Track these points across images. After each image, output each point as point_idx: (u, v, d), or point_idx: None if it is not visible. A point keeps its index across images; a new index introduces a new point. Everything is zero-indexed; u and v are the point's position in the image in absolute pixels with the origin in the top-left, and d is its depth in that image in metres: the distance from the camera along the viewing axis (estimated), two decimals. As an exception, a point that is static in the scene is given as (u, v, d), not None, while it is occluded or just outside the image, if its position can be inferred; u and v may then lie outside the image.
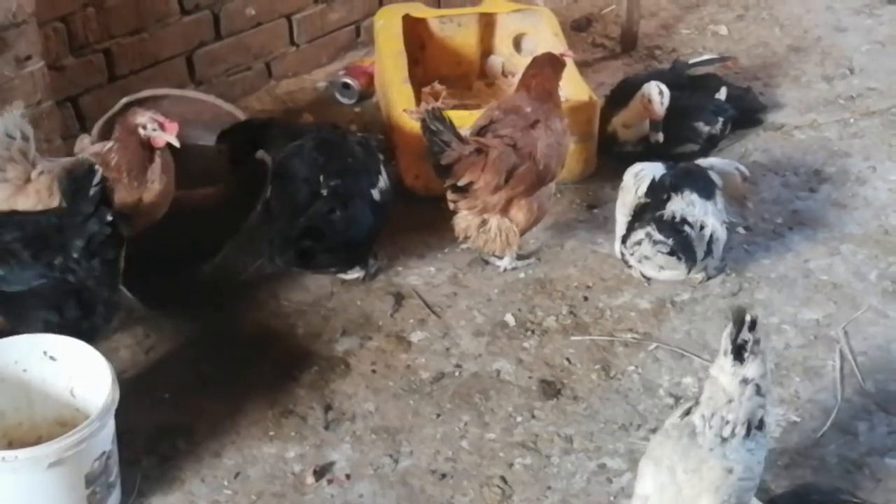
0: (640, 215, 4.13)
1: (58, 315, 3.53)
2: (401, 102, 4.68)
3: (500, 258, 4.35)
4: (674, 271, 4.15)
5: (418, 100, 4.79)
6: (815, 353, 3.99)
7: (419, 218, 4.53)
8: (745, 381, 2.94)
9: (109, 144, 3.93)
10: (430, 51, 5.38)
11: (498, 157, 3.98)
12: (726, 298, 4.23)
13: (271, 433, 3.66)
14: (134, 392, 3.67)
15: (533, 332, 4.08)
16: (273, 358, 3.95)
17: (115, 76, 4.82)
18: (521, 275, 4.35)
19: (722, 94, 5.10)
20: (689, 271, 4.13)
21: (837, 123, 5.30)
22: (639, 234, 4.09)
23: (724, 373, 2.96)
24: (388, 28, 5.19)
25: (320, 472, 3.52)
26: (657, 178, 4.17)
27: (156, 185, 3.92)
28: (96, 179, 3.52)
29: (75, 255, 3.51)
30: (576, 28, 6.05)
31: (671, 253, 4.04)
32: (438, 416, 3.74)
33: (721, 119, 4.99)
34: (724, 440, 2.96)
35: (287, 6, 5.36)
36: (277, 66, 5.47)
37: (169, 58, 4.99)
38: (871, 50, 5.91)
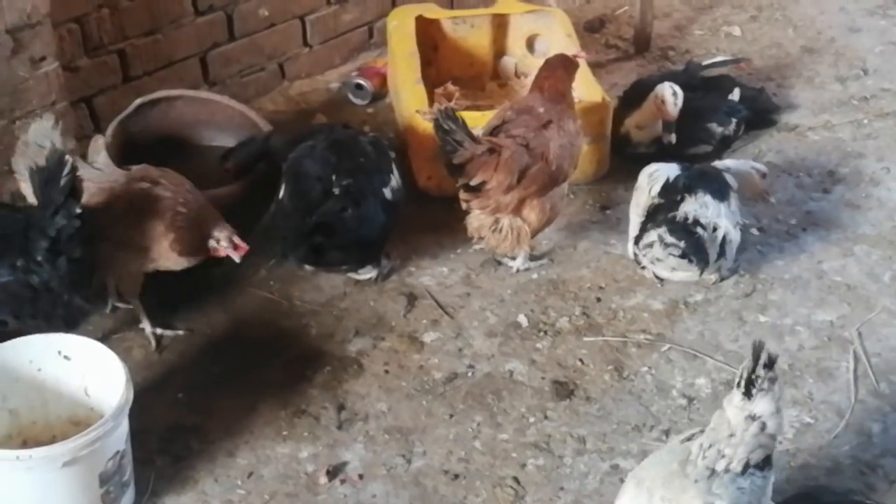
0: (653, 216, 4.12)
1: (13, 318, 3.53)
2: (414, 103, 4.69)
3: (513, 259, 4.35)
4: (686, 273, 4.15)
5: (431, 101, 4.79)
6: (829, 354, 3.99)
7: (432, 218, 4.54)
8: (751, 418, 2.83)
9: (180, 222, 3.85)
10: (442, 52, 5.38)
11: (510, 157, 3.99)
12: (740, 299, 4.23)
13: (284, 433, 3.67)
14: (148, 392, 3.69)
15: (546, 332, 4.08)
16: (286, 358, 3.96)
17: (129, 77, 4.83)
18: (534, 275, 4.35)
19: (735, 95, 5.09)
20: (701, 273, 4.12)
21: (851, 124, 5.29)
22: (651, 236, 4.09)
23: (732, 405, 2.85)
24: (400, 29, 5.19)
25: (333, 472, 3.52)
26: (671, 178, 4.16)
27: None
28: (67, 170, 3.44)
29: (39, 258, 3.48)
30: (589, 29, 6.05)
31: (682, 256, 4.04)
32: (451, 416, 3.74)
33: (734, 120, 4.98)
34: (713, 474, 2.85)
35: (300, 7, 5.37)
36: (291, 67, 5.48)
37: (183, 59, 5.00)
38: (884, 51, 5.89)
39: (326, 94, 5.47)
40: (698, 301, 4.23)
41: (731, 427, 2.86)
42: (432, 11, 5.35)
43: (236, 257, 3.89)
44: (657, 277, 4.26)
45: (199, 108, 4.70)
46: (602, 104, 4.73)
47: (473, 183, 3.99)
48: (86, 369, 3.40)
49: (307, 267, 4.12)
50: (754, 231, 4.53)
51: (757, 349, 2.82)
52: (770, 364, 2.80)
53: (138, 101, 4.55)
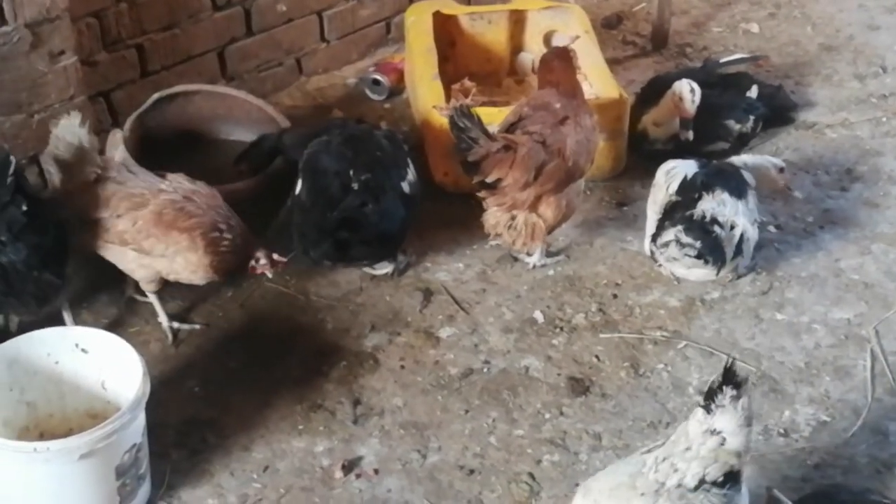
0: (670, 213, 4.12)
1: None
2: (430, 99, 4.69)
3: (530, 255, 4.35)
4: (703, 271, 4.14)
5: (448, 96, 4.79)
6: (846, 352, 3.97)
7: (448, 214, 4.54)
8: (711, 432, 2.80)
9: (227, 239, 3.88)
10: (460, 47, 5.38)
11: (527, 154, 3.98)
12: (756, 297, 4.22)
13: (300, 427, 3.67)
14: (164, 385, 3.70)
15: (562, 329, 4.08)
16: (302, 353, 3.97)
17: (147, 71, 4.84)
18: (551, 272, 4.35)
19: (753, 92, 5.08)
20: (717, 272, 4.11)
21: (869, 122, 5.27)
22: (668, 236, 4.08)
23: (695, 419, 2.83)
24: (418, 24, 5.19)
25: (349, 467, 3.53)
26: (689, 176, 4.16)
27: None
28: (11, 169, 3.53)
29: (2, 239, 3.56)
30: (606, 25, 6.04)
31: (698, 256, 4.03)
32: (467, 412, 3.74)
33: (752, 117, 4.97)
34: (661, 487, 2.81)
35: (318, 2, 5.37)
36: (308, 63, 5.49)
37: (201, 53, 5.01)
38: (904, 49, 5.88)
39: (343, 90, 5.48)
40: (715, 298, 4.22)
41: (688, 440, 2.83)
42: (450, 7, 5.35)
43: (270, 273, 3.94)
44: (674, 275, 4.25)
45: (217, 102, 4.72)
46: (619, 101, 4.72)
47: (489, 180, 3.98)
48: (103, 362, 3.42)
49: (326, 262, 4.12)
50: (771, 229, 4.52)
51: (728, 366, 2.80)
52: (736, 383, 2.77)
53: (156, 95, 4.57)
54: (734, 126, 4.92)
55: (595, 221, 4.62)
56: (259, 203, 4.29)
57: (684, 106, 4.67)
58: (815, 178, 4.88)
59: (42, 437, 3.42)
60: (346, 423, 3.69)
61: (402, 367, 3.92)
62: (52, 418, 3.48)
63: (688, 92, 4.65)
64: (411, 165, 4.24)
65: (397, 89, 5.41)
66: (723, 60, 5.37)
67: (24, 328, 3.63)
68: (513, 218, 4.11)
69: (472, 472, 3.53)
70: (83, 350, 3.42)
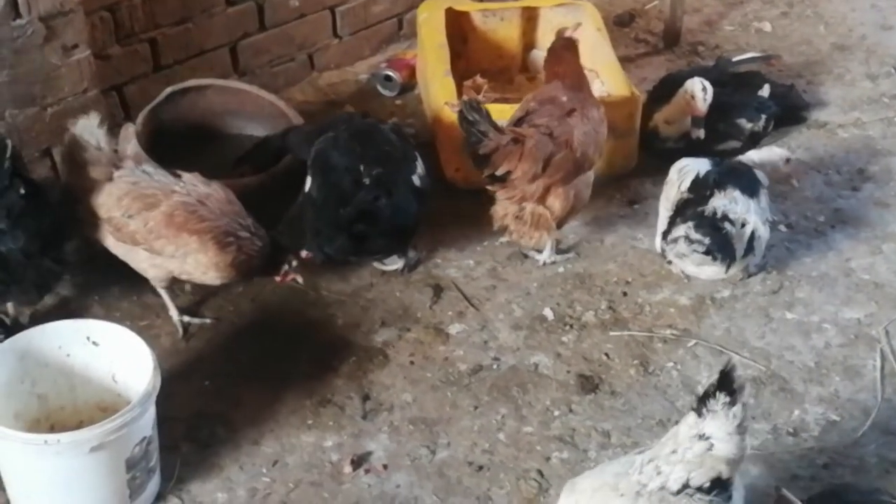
0: (682, 211, 4.12)
1: None
2: (442, 95, 4.69)
3: (540, 252, 4.35)
4: (713, 268, 4.14)
5: (460, 93, 4.79)
6: (856, 352, 3.97)
7: (459, 211, 4.54)
8: (699, 437, 2.78)
9: (256, 245, 3.90)
10: (472, 44, 5.38)
11: (534, 146, 3.98)
12: (767, 296, 4.22)
13: (309, 422, 3.68)
14: (174, 379, 3.71)
15: (571, 326, 4.08)
16: (312, 348, 3.97)
17: (159, 66, 4.85)
18: (561, 269, 4.35)
19: (765, 91, 5.07)
20: (727, 270, 4.11)
21: (881, 122, 5.26)
22: (677, 232, 4.08)
23: (686, 422, 2.82)
24: (430, 21, 5.20)
25: (358, 462, 3.54)
26: (701, 174, 4.16)
27: None
28: (8, 153, 3.56)
29: (2, 226, 3.58)
30: (618, 23, 6.03)
31: (707, 252, 4.03)
32: (476, 408, 3.75)
33: (764, 116, 4.96)
34: (642, 488, 2.80)
35: (331, -2, 5.39)
36: (320, 58, 5.49)
37: (213, 48, 5.01)
38: (917, 49, 5.87)
39: (355, 85, 5.48)
40: (725, 297, 4.22)
41: (675, 443, 2.82)
42: (462, 4, 5.35)
43: (300, 280, 3.97)
44: (684, 273, 4.25)
45: (229, 97, 4.73)
46: (631, 98, 4.72)
47: (499, 173, 3.99)
48: (114, 355, 3.43)
49: (340, 258, 4.12)
50: (782, 228, 4.52)
51: (725, 371, 2.77)
52: (732, 389, 2.74)
53: (169, 89, 4.58)
54: (746, 125, 4.92)
55: (606, 219, 4.62)
56: (269, 198, 4.29)
57: (696, 104, 4.67)
58: (826, 177, 4.87)
59: (53, 429, 3.44)
60: (356, 418, 3.70)
61: (412, 362, 3.93)
62: (62, 411, 3.49)
63: (699, 90, 4.65)
64: (419, 159, 4.24)
65: (409, 85, 5.41)
66: (735, 59, 5.36)
67: (36, 321, 3.64)
68: (521, 209, 4.12)
69: (480, 468, 3.54)
70: (94, 343, 3.43)
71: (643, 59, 5.76)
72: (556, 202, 4.10)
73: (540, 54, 5.40)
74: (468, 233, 4.48)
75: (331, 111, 5.15)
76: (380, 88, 5.42)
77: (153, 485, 3.39)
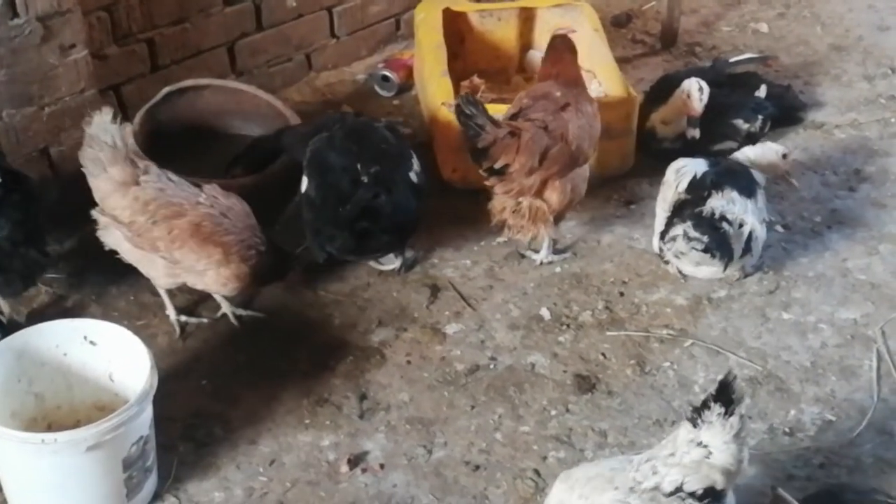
0: (679, 211, 4.13)
1: None
2: (439, 95, 4.69)
3: (537, 251, 4.36)
4: (710, 268, 4.15)
5: (457, 93, 4.79)
6: (852, 352, 3.98)
7: (456, 211, 4.55)
8: (696, 443, 2.82)
9: (271, 257, 3.95)
10: (469, 44, 5.39)
11: (531, 139, 3.98)
12: (763, 296, 4.22)
13: (306, 421, 3.69)
14: (171, 378, 3.72)
15: (568, 326, 4.09)
16: (309, 347, 3.98)
17: (157, 66, 4.85)
18: (557, 269, 4.36)
19: (762, 91, 5.08)
20: (725, 268, 4.12)
21: (878, 123, 5.26)
22: (675, 231, 4.10)
23: (685, 427, 2.84)
24: (428, 21, 5.20)
25: (354, 461, 3.54)
26: (698, 174, 4.17)
27: None
28: None
29: None
30: (616, 24, 6.04)
31: (706, 250, 4.04)
32: (473, 408, 3.75)
33: (760, 117, 4.97)
34: (637, 485, 2.82)
35: (328, -2, 5.39)
36: (317, 58, 5.50)
37: (211, 48, 5.02)
38: (914, 50, 5.88)
39: (353, 86, 5.49)
40: (721, 297, 4.22)
41: (674, 446, 2.84)
42: (459, 4, 5.36)
43: None
44: (680, 273, 4.26)
45: (227, 97, 4.72)
46: (628, 99, 4.72)
47: (497, 166, 3.99)
48: (111, 355, 3.43)
49: (340, 257, 4.11)
50: (779, 228, 4.52)
51: (724, 381, 2.78)
52: (729, 400, 2.75)
53: (166, 89, 4.58)
54: (743, 125, 4.92)
55: (603, 219, 4.62)
56: (264, 199, 4.29)
57: (692, 103, 4.68)
58: (823, 178, 4.88)
59: (50, 428, 3.44)
60: (353, 417, 3.71)
61: (409, 362, 3.93)
62: (59, 410, 3.49)
63: (696, 90, 4.66)
64: (415, 156, 4.25)
65: (406, 86, 5.42)
66: (732, 60, 5.37)
67: (33, 320, 3.64)
68: (518, 203, 4.12)
69: (477, 467, 3.54)
70: (91, 342, 3.43)
71: (640, 60, 5.77)
72: (553, 195, 4.10)
73: (537, 55, 5.41)
74: (465, 233, 4.49)
75: (328, 111, 5.15)
76: (377, 89, 5.42)
77: (150, 484, 3.39)
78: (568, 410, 3.75)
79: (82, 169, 3.75)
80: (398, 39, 5.78)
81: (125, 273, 4.12)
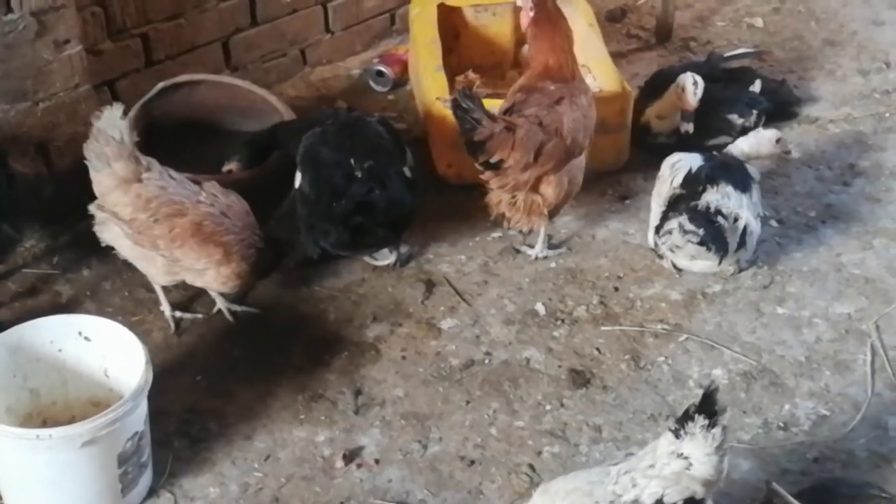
0: (674, 206, 4.13)
1: None
2: (434, 90, 4.69)
3: (532, 247, 4.36)
4: (706, 262, 4.16)
5: (452, 88, 4.79)
6: (847, 347, 3.98)
7: (451, 206, 4.55)
8: (676, 455, 2.79)
9: (269, 255, 3.98)
10: (464, 39, 5.39)
11: (525, 135, 3.97)
12: (758, 291, 4.23)
13: (301, 417, 3.69)
14: (166, 374, 3.71)
15: (563, 321, 4.09)
16: (304, 343, 3.98)
17: (151, 61, 4.85)
18: (552, 264, 4.36)
19: (756, 86, 5.08)
20: (720, 262, 4.13)
21: (872, 117, 5.27)
22: (671, 224, 4.11)
23: (665, 439, 2.82)
24: (422, 16, 5.20)
25: (350, 457, 3.54)
26: (693, 169, 4.18)
27: None
28: None
29: None
30: (610, 19, 6.04)
31: (701, 243, 4.05)
32: (468, 402, 3.75)
33: (755, 111, 4.98)
34: (617, 499, 2.79)
35: (323, -7, 5.39)
36: (312, 53, 5.50)
37: (205, 43, 5.02)
38: (908, 44, 5.88)
39: (347, 81, 5.49)
40: (716, 292, 4.23)
41: (654, 458, 2.81)
42: (454, -1, 5.36)
43: None
44: (675, 268, 4.27)
45: (221, 92, 4.72)
46: (622, 94, 4.72)
47: (493, 160, 3.99)
48: (106, 350, 3.43)
49: (335, 252, 4.11)
50: (773, 223, 4.53)
51: (708, 393, 2.76)
52: (712, 412, 2.73)
53: (161, 85, 4.57)
54: (737, 120, 4.93)
55: (597, 214, 4.62)
56: (260, 192, 4.29)
57: (686, 98, 4.68)
58: (817, 172, 4.88)
59: (45, 424, 3.44)
60: (348, 413, 3.71)
61: (404, 357, 3.93)
62: (54, 406, 3.49)
63: (690, 84, 4.67)
64: (408, 151, 4.25)
65: (401, 81, 5.42)
66: (727, 55, 5.37)
67: (25, 317, 3.64)
68: (514, 197, 4.12)
69: (472, 462, 3.54)
70: (86, 338, 3.43)
71: (635, 55, 5.77)
72: (548, 189, 4.10)
73: (532, 50, 5.42)
74: (460, 228, 4.49)
75: (322, 107, 5.15)
76: (372, 84, 5.42)
77: (145, 479, 3.39)
78: (563, 405, 3.75)
79: (85, 162, 3.73)
80: (393, 34, 5.78)
81: (120, 269, 4.13)
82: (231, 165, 4.33)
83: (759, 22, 6.08)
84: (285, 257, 4.06)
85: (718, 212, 4.06)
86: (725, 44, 5.82)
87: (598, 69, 4.88)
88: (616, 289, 4.25)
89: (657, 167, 4.34)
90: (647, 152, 4.80)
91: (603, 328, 4.06)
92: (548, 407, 3.74)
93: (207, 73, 4.88)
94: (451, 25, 5.32)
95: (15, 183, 3.83)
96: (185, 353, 3.93)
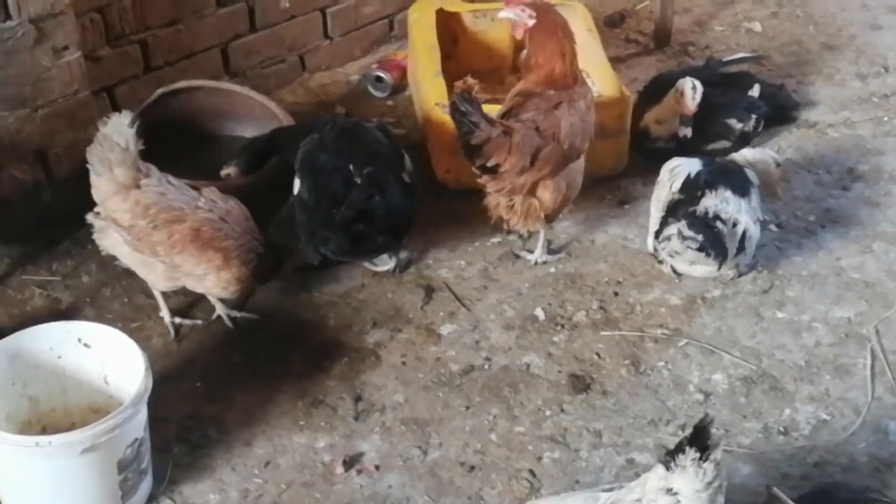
0: (673, 211, 4.14)
1: None
2: (433, 96, 4.69)
3: (531, 252, 4.36)
4: (705, 267, 4.16)
5: (451, 94, 4.78)
6: (846, 351, 3.98)
7: (450, 211, 4.55)
8: (666, 491, 2.69)
9: (271, 260, 3.96)
10: (463, 45, 5.39)
11: (521, 140, 3.96)
12: (757, 295, 4.23)
13: (301, 423, 3.68)
14: (166, 380, 3.70)
15: (563, 326, 4.09)
16: (304, 348, 3.97)
17: (150, 67, 4.85)
18: (552, 269, 4.36)
19: (755, 91, 5.09)
20: (719, 267, 4.13)
21: (871, 121, 5.27)
22: (670, 230, 4.11)
23: (656, 472, 2.73)
24: (421, 22, 5.20)
25: (350, 463, 3.54)
26: (692, 174, 4.18)
27: None
28: None
29: None
30: (609, 23, 6.04)
31: (700, 249, 4.05)
32: (468, 408, 3.75)
33: (754, 116, 4.98)
34: None
35: (321, -1, 5.39)
36: (311, 59, 5.50)
37: (204, 49, 5.02)
38: (906, 48, 5.88)
39: (346, 87, 5.49)
40: (716, 296, 4.22)
41: (643, 491, 2.74)
42: (453, 4, 5.36)
43: None
44: (675, 272, 4.27)
45: (220, 98, 4.71)
46: (622, 98, 4.72)
47: (489, 164, 3.98)
48: (105, 357, 3.42)
49: (334, 259, 4.11)
50: (773, 227, 4.53)
51: (700, 426, 2.66)
52: (704, 446, 2.63)
53: (159, 91, 4.57)
54: (736, 125, 4.93)
55: (597, 219, 4.62)
56: (259, 199, 4.29)
57: (685, 102, 4.68)
58: (816, 176, 4.88)
59: (44, 431, 3.44)
60: (348, 419, 3.70)
61: (404, 363, 3.93)
62: (54, 413, 3.49)
63: (689, 89, 4.67)
64: (406, 156, 4.25)
65: (400, 86, 5.42)
66: (725, 59, 5.37)
67: (24, 323, 3.63)
68: (511, 200, 4.12)
69: (472, 468, 3.54)
70: (85, 345, 3.43)
71: (633, 60, 5.77)
72: (545, 193, 4.09)
73: (530, 55, 5.42)
74: (459, 233, 4.49)
75: (321, 113, 5.15)
76: (371, 89, 5.43)
77: (145, 486, 3.38)
78: (563, 410, 3.75)
79: (86, 167, 3.72)
80: (392, 40, 5.78)
81: (119, 275, 4.13)
82: (229, 170, 4.32)
83: (757, 26, 6.08)
84: (285, 263, 4.05)
85: (717, 217, 4.06)
86: (724, 48, 5.82)
87: (596, 74, 4.87)
88: (616, 294, 4.25)
89: (656, 172, 4.34)
90: (646, 157, 4.80)
91: (603, 333, 4.06)
92: (548, 412, 3.74)
93: (206, 79, 4.87)
94: (450, 31, 5.32)
95: None
96: (185, 359, 3.92)
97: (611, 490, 2.87)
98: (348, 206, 3.96)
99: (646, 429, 3.67)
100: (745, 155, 4.39)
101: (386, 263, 4.29)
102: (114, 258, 3.92)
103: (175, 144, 4.40)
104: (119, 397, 3.35)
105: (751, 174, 4.27)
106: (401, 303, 4.19)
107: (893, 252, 4.44)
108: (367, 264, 4.30)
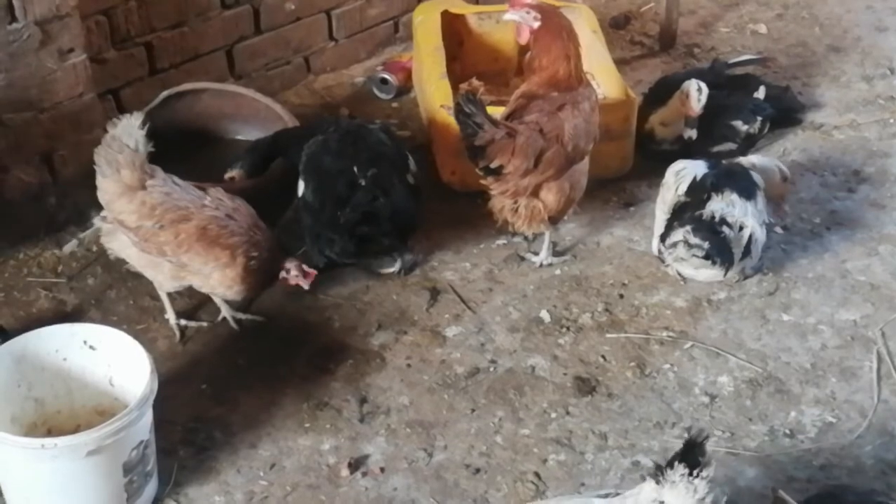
0: (679, 214, 4.13)
1: None
2: (438, 98, 4.69)
3: (536, 254, 4.36)
4: (711, 272, 4.15)
5: (455, 96, 4.79)
6: (852, 353, 3.98)
7: (455, 213, 4.55)
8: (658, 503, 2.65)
9: (254, 265, 3.86)
10: (468, 47, 5.39)
11: (525, 142, 3.96)
12: (763, 298, 4.22)
13: (307, 425, 3.68)
14: (171, 383, 3.71)
15: (568, 328, 4.08)
16: (309, 351, 3.97)
17: (155, 69, 4.85)
18: (557, 271, 4.35)
19: (761, 93, 5.08)
20: (725, 273, 4.13)
21: (877, 124, 5.26)
22: (676, 236, 4.10)
23: (649, 485, 2.69)
24: (426, 24, 5.20)
25: (355, 465, 3.54)
26: (698, 177, 4.17)
27: None
28: None
29: None
30: (614, 25, 6.04)
31: (706, 257, 4.05)
32: (473, 410, 3.75)
33: (759, 118, 4.97)
34: None
35: (326, 1, 5.38)
36: (316, 61, 5.50)
37: (209, 52, 5.02)
38: (912, 50, 5.88)
39: (351, 89, 5.49)
40: (721, 299, 4.22)
41: (636, 501, 2.72)
42: (458, 6, 5.36)
43: (305, 285, 3.92)
44: (680, 275, 4.26)
45: (225, 101, 4.72)
46: (627, 101, 4.72)
47: (493, 166, 3.98)
48: (111, 359, 3.43)
49: (340, 261, 4.10)
50: (778, 230, 4.52)
51: (692, 442, 2.62)
52: (694, 461, 2.59)
53: (165, 93, 4.58)
54: (742, 127, 4.92)
55: (602, 221, 4.62)
56: (263, 201, 4.29)
57: (690, 104, 4.68)
58: (822, 179, 4.88)
59: (50, 433, 3.43)
60: (353, 421, 3.70)
61: (409, 365, 3.93)
62: (59, 415, 3.49)
63: (695, 90, 4.66)
64: (410, 157, 4.25)
65: (405, 88, 5.42)
66: (731, 61, 5.37)
67: (30, 326, 3.63)
68: (516, 202, 4.11)
69: (477, 470, 3.54)
70: (91, 347, 3.43)
71: (639, 62, 5.77)
72: (549, 195, 4.09)
73: (536, 57, 5.41)
74: (464, 235, 4.49)
75: (326, 115, 5.15)
76: (376, 91, 5.42)
77: (150, 489, 3.38)
78: (568, 413, 3.74)
79: (93, 168, 3.72)
80: (397, 42, 5.78)
81: (125, 277, 4.13)
82: (233, 173, 4.32)
83: (762, 28, 6.08)
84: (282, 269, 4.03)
85: (723, 221, 4.06)
86: (729, 50, 5.82)
87: (601, 76, 4.87)
88: (621, 296, 4.24)
89: (661, 174, 4.34)
90: (652, 159, 4.79)
91: (608, 335, 4.05)
92: (553, 415, 3.74)
93: (211, 81, 4.89)
94: (455, 33, 5.32)
95: None
96: (190, 361, 3.93)
97: (606, 497, 2.86)
98: (353, 208, 3.96)
99: (651, 431, 3.67)
100: (752, 161, 4.38)
101: (391, 265, 4.29)
102: (120, 261, 3.92)
103: (180, 147, 4.41)
104: (124, 399, 3.35)
105: (756, 177, 4.27)
106: (406, 305, 4.19)
107: (899, 254, 4.44)
108: (372, 266, 4.30)
